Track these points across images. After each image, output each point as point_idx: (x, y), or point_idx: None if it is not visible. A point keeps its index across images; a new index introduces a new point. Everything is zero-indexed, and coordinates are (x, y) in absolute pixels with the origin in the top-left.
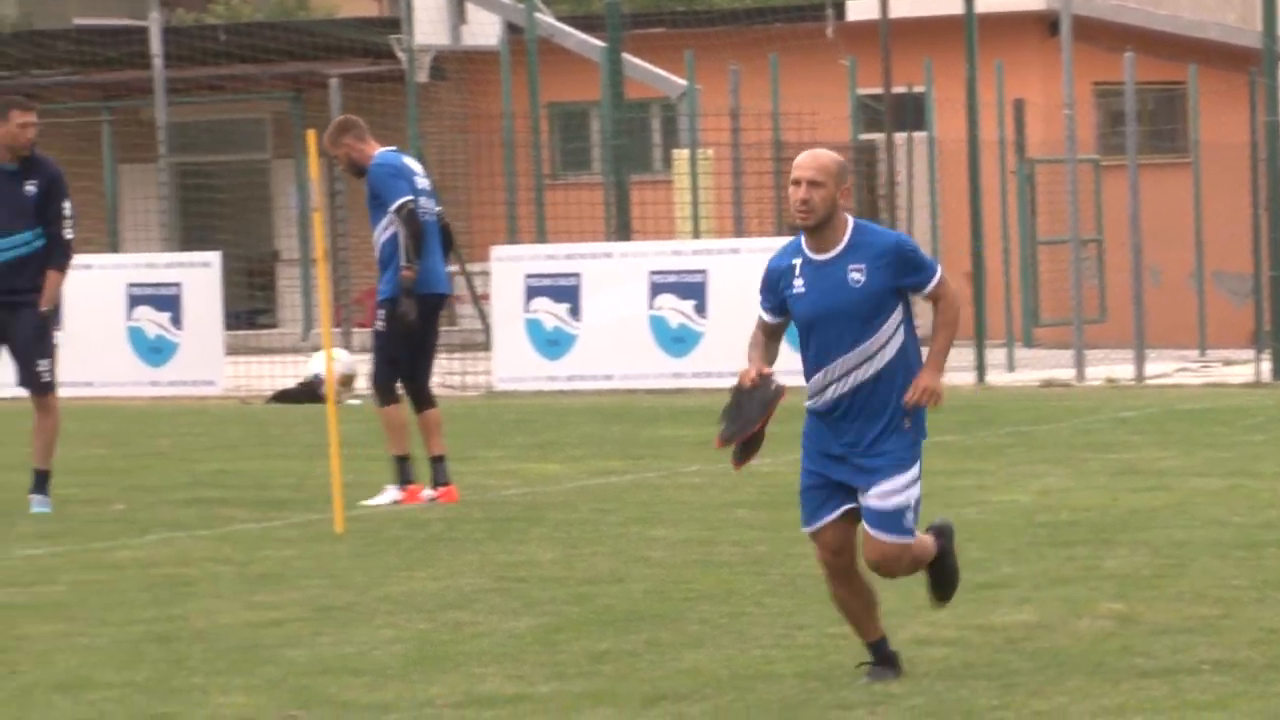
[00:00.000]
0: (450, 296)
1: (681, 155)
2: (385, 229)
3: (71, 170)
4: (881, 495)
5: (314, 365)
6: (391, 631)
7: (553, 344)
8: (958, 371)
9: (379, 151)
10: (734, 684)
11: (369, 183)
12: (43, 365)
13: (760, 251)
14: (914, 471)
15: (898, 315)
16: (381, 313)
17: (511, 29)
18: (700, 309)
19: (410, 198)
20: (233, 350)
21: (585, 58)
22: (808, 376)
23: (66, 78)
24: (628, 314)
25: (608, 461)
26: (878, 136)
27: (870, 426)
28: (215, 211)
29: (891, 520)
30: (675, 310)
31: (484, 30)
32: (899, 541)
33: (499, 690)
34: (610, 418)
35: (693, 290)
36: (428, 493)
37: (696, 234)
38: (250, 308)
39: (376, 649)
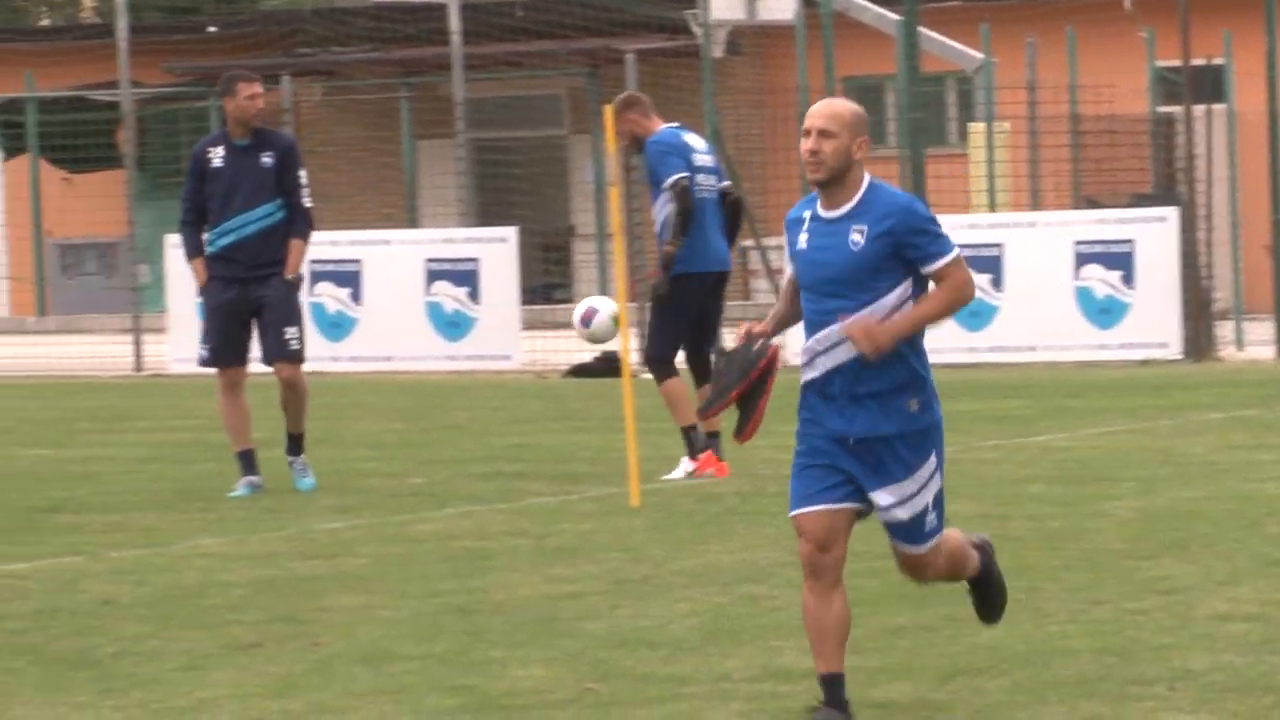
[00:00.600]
0: (728, 274)
1: (977, 129)
2: (663, 206)
3: (370, 146)
4: (896, 501)
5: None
6: (688, 605)
7: None
8: (1257, 346)
9: (661, 129)
10: (1030, 660)
11: (645, 160)
12: (291, 333)
13: (1057, 225)
14: (931, 463)
15: (903, 290)
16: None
17: (807, 3)
18: (997, 283)
19: (684, 175)
20: (529, 325)
21: (881, 31)
22: (804, 344)
23: (366, 55)
24: None
25: None
26: (1176, 109)
27: (870, 414)
28: (512, 187)
29: (912, 530)
30: None
31: (780, 4)
32: (925, 550)
33: (795, 664)
34: None
35: (989, 264)
36: (683, 467)
37: (992, 208)
38: (546, 282)
39: (673, 622)
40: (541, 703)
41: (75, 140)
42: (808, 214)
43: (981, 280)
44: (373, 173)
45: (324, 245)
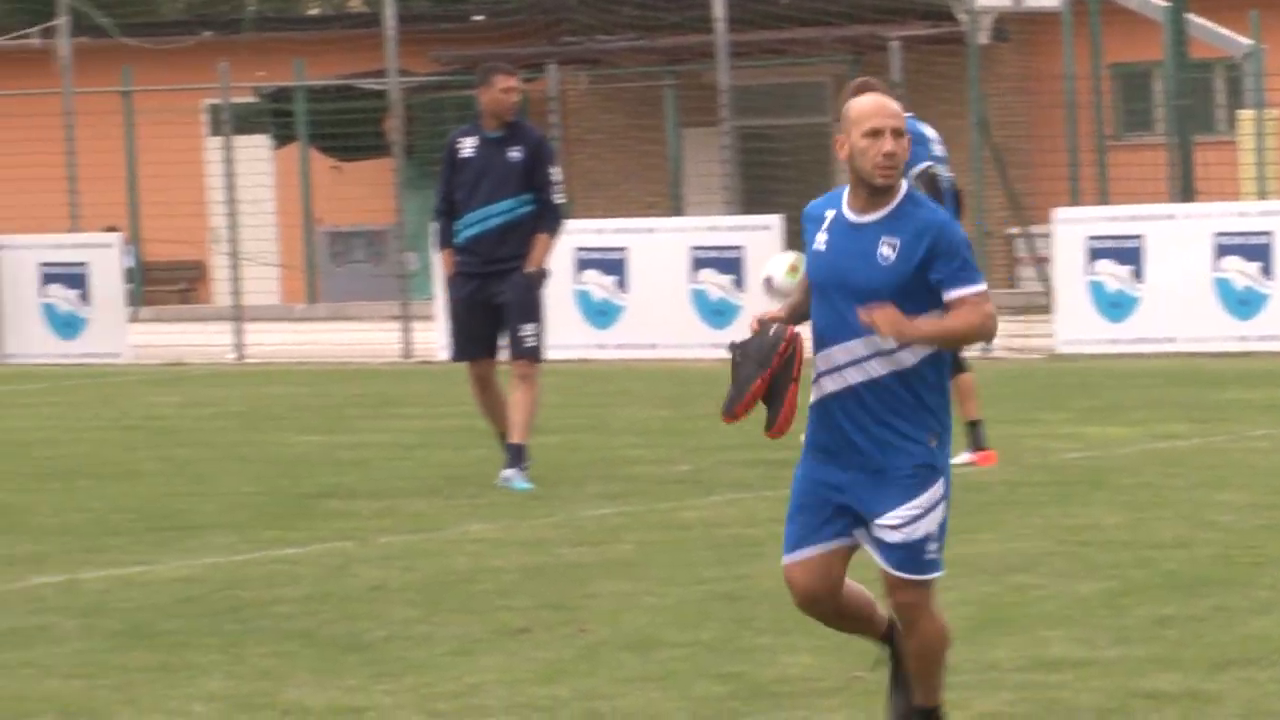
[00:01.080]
0: None
1: (1246, 116)
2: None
3: (634, 134)
4: (899, 521)
5: None
6: (956, 594)
7: (1115, 306)
8: None
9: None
10: None
11: None
12: (527, 330)
13: None
14: (939, 488)
15: (923, 311)
16: None
17: None
18: (1266, 271)
19: (930, 164)
20: None
21: (1147, 18)
22: (815, 354)
23: (631, 43)
24: (1191, 277)
25: (1172, 425)
26: None
27: (879, 449)
28: (776, 174)
29: (912, 554)
30: (1240, 273)
31: None
32: (923, 581)
33: (1064, 654)
34: (1174, 381)
35: (1258, 252)
36: (965, 456)
37: (1262, 195)
38: None
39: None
40: (809, 690)
41: (344, 129)
42: (831, 213)
43: (1250, 269)
44: (637, 161)
45: (589, 233)
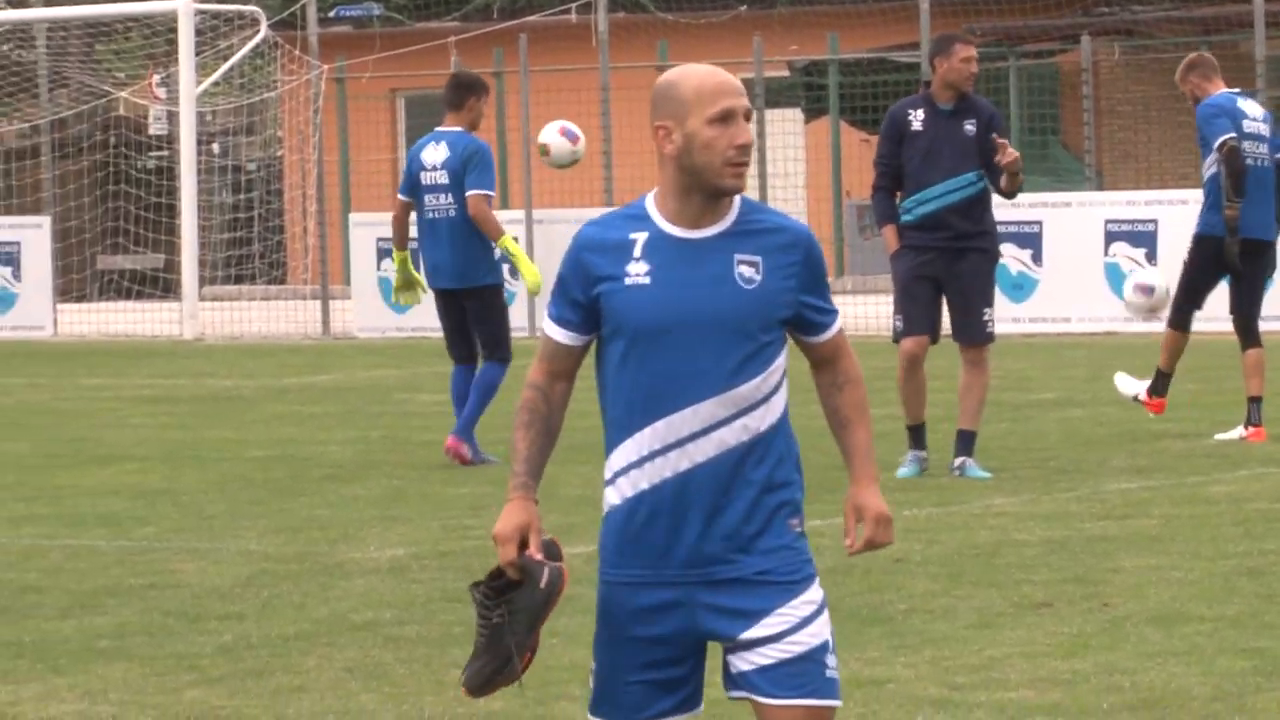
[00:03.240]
0: (1269, 243)
1: None
2: (1209, 167)
3: (1168, 105)
4: (784, 627)
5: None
6: None
7: None
8: None
9: (1218, 93)
10: None
11: (1197, 122)
12: (988, 314)
13: None
14: (818, 587)
15: (783, 359)
16: (1191, 246)
17: None
18: None
19: (1232, 135)
20: None
21: None
22: (615, 441)
23: (1167, 13)
24: None
25: None
26: None
27: (736, 527)
28: None
29: (811, 673)
30: None
31: None
32: (825, 707)
33: None
34: None
35: None
36: (1238, 431)
37: None
38: None
39: None
40: None
41: (875, 102)
42: (640, 236)
43: None
44: (1172, 132)
45: (1120, 205)
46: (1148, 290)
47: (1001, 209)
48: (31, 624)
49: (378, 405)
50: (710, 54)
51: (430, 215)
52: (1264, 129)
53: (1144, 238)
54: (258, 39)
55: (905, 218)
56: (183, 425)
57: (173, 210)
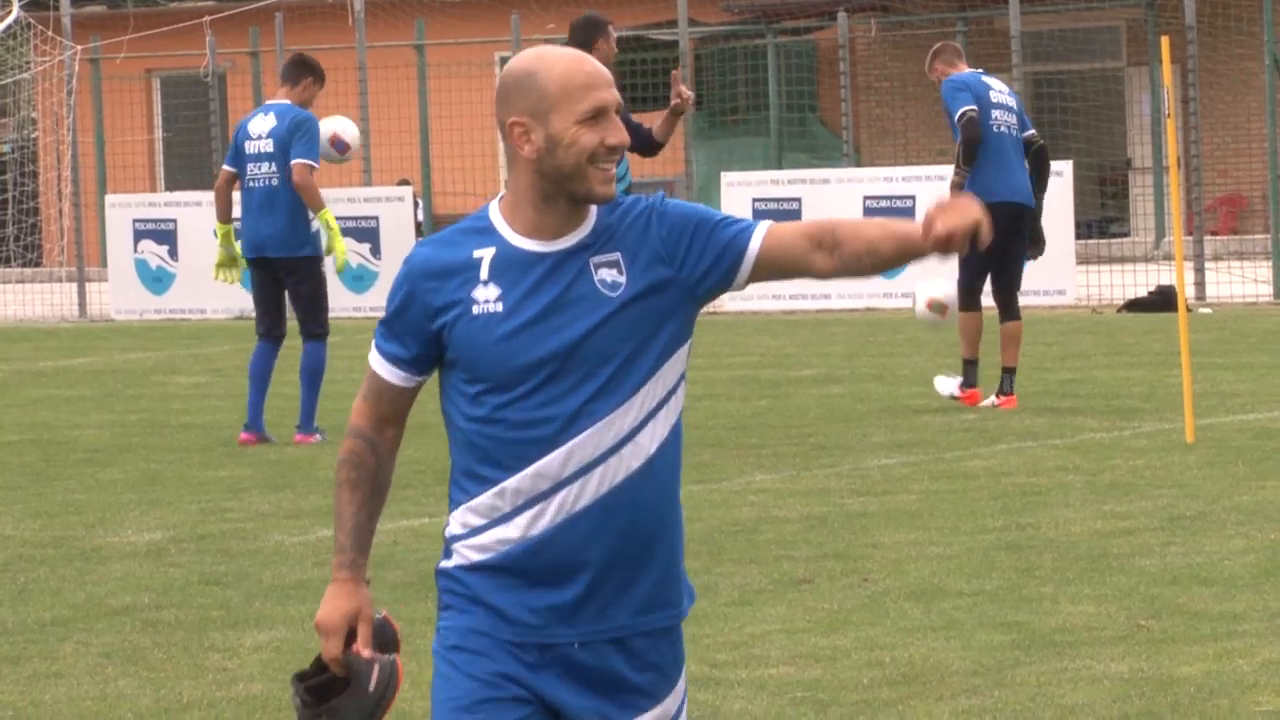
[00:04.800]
0: (1028, 208)
1: None
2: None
3: (924, 81)
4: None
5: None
6: (1242, 541)
7: None
8: None
9: (960, 72)
10: None
11: (942, 96)
12: None
13: None
14: (683, 671)
15: (678, 361)
16: None
17: None
18: None
19: (973, 107)
20: (1083, 259)
21: None
22: (471, 491)
23: None
24: None
25: None
26: None
27: (628, 577)
28: (1067, 120)
29: None
30: None
31: None
32: None
33: None
34: None
35: None
36: (956, 383)
37: None
38: (1101, 216)
39: (1227, 559)
40: (1093, 639)
41: (636, 79)
42: (484, 253)
43: None
44: (929, 108)
45: (879, 182)
46: (940, 309)
47: (760, 185)
48: None
49: (135, 388)
50: (468, 32)
51: (251, 184)
52: (1011, 101)
53: (902, 213)
54: (10, 19)
55: None
56: None
57: None
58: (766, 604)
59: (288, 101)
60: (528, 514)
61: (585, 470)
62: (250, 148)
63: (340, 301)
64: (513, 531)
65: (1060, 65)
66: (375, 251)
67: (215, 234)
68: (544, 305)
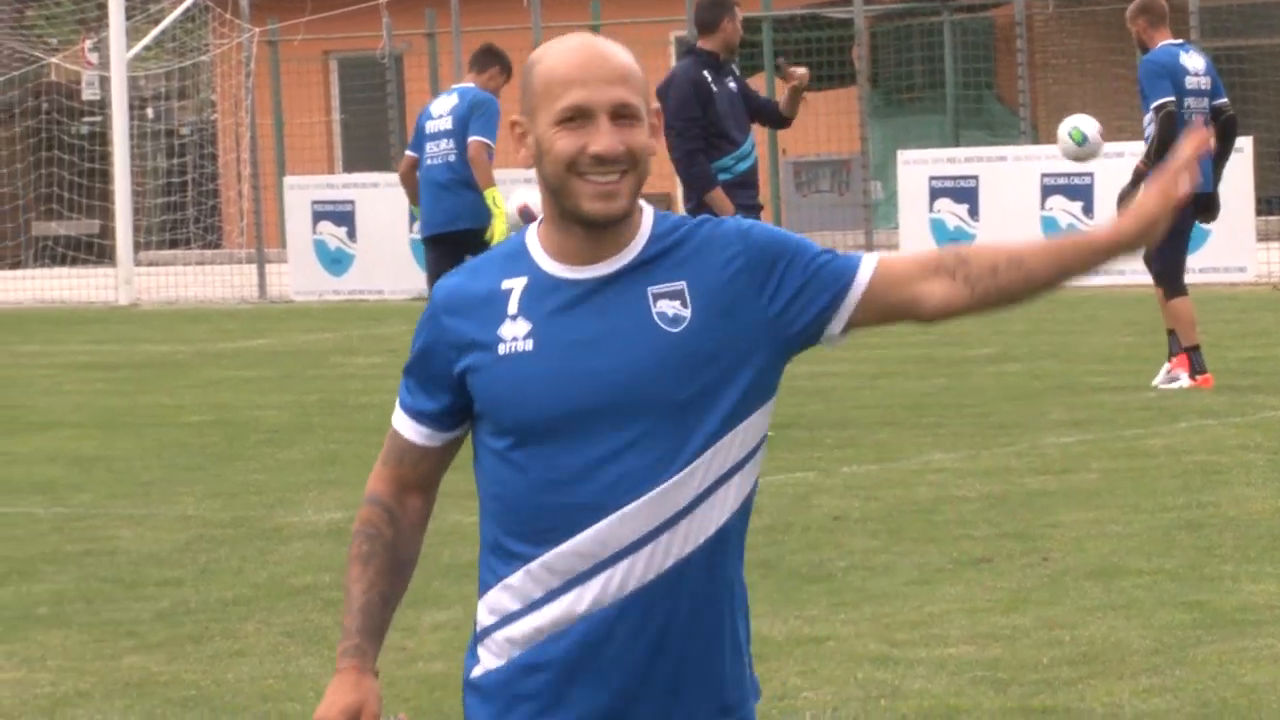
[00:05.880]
0: (1205, 195)
1: None
2: (1149, 124)
3: (1103, 58)
4: None
5: None
6: None
7: None
8: None
9: (1163, 45)
10: None
11: (1139, 76)
12: None
13: None
14: None
15: (759, 422)
16: None
17: None
18: None
19: (1171, 99)
20: (1264, 236)
21: None
22: (499, 571)
23: None
24: None
25: None
26: None
27: (684, 679)
28: (1247, 96)
29: None
30: None
31: None
32: None
33: None
34: None
35: None
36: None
37: None
38: None
39: None
40: (1275, 618)
41: (810, 58)
42: (516, 283)
43: None
44: (1107, 85)
45: (1056, 159)
46: (1082, 139)
47: (937, 164)
48: None
49: (314, 369)
50: (643, 12)
51: (430, 162)
52: (1205, 83)
53: (1080, 190)
54: (189, 3)
55: (725, 176)
56: (118, 391)
57: (107, 176)
58: (945, 583)
59: (473, 85)
60: (563, 600)
61: (633, 548)
62: (431, 127)
63: None
64: (543, 621)
65: (1240, 41)
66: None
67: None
68: (583, 342)
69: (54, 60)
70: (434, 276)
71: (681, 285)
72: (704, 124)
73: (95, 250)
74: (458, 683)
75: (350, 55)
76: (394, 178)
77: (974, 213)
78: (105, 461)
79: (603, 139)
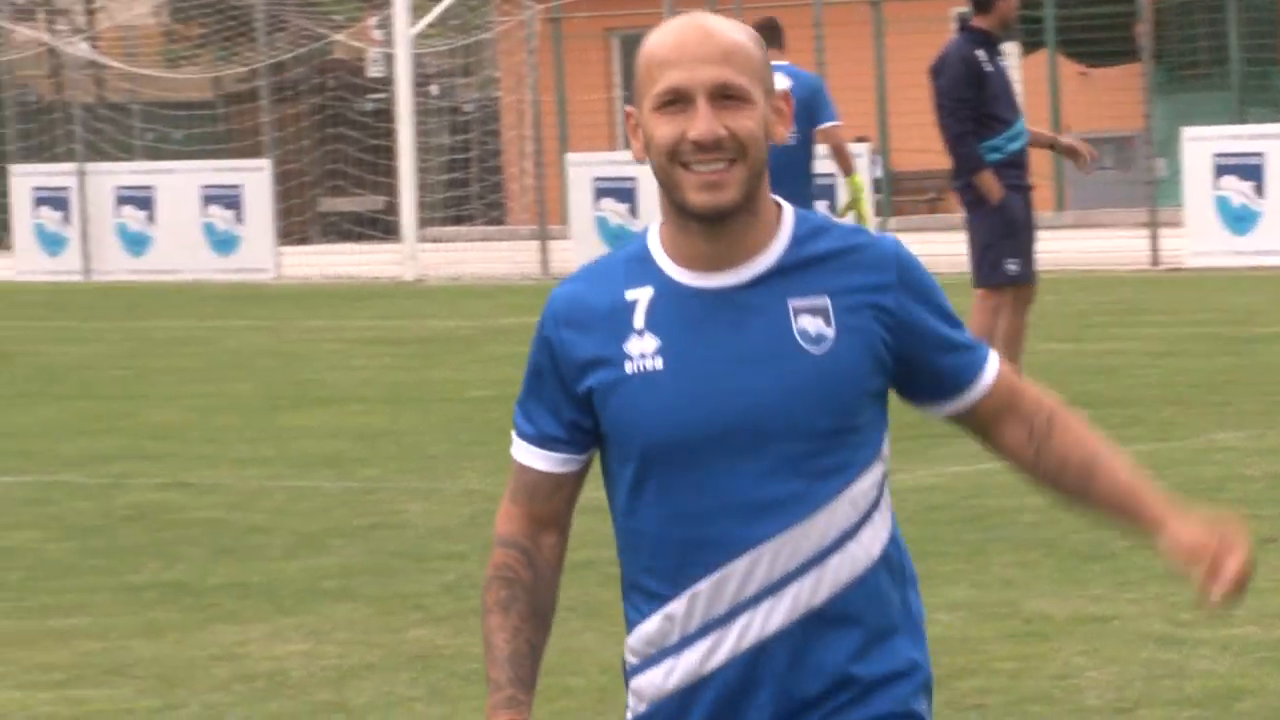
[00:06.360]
0: None
1: None
2: None
3: None
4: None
5: None
6: None
7: None
8: None
9: None
10: None
11: None
12: None
13: None
14: None
15: (881, 445)
16: None
17: None
18: None
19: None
20: None
21: None
22: (643, 610)
23: None
24: None
25: None
26: None
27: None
28: None
29: None
30: None
31: None
32: None
33: None
34: None
35: None
36: None
37: None
38: None
39: None
40: None
41: (1092, 34)
42: (643, 293)
43: None
44: None
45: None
46: None
47: (1221, 140)
48: (258, 565)
49: None
50: None
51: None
52: None
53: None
54: None
55: (995, 156)
56: (404, 366)
57: (391, 152)
58: None
59: (786, 63)
60: (701, 646)
61: (777, 588)
62: None
63: None
64: (683, 668)
65: None
66: (835, 209)
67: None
68: (720, 360)
69: (339, 38)
70: None
71: (825, 301)
72: (975, 104)
73: (380, 226)
74: None
75: (632, 32)
76: None
77: (1260, 190)
78: (392, 436)
79: (700, 123)
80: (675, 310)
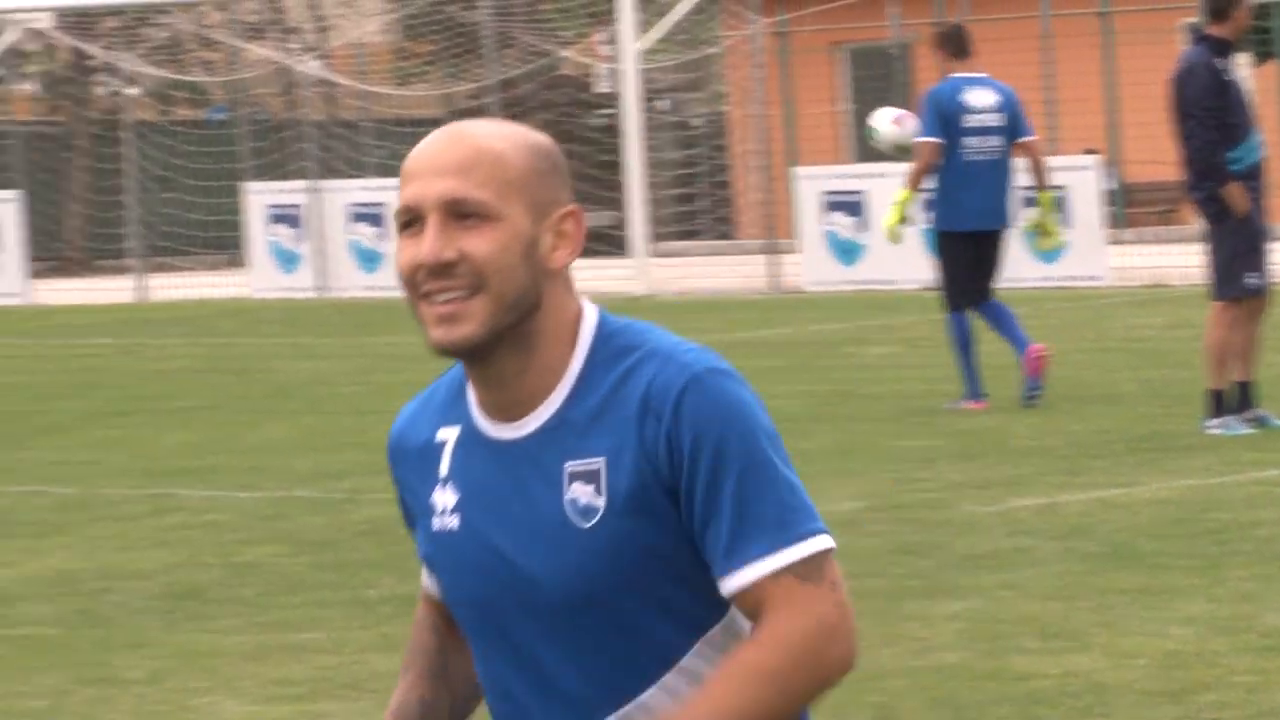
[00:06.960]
0: None
1: None
2: None
3: None
4: None
5: None
6: None
7: None
8: None
9: None
10: None
11: None
12: None
13: None
14: None
15: (711, 612)
16: None
17: None
18: None
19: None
20: None
21: None
22: None
23: None
24: None
25: None
26: None
27: None
28: None
29: None
30: None
31: None
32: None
33: None
34: None
35: None
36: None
37: None
38: None
39: None
40: None
41: None
42: (449, 435)
43: None
44: None
45: None
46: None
47: None
48: None
49: (826, 359)
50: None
51: (976, 157)
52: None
53: None
54: None
55: (1235, 166)
56: None
57: (620, 168)
58: None
59: (985, 75)
60: None
61: None
62: (972, 121)
63: (1031, 272)
64: None
65: None
66: (1064, 221)
67: (899, 199)
68: (504, 528)
69: (567, 54)
70: (956, 272)
71: (599, 464)
72: (1221, 114)
73: (609, 241)
74: (974, 673)
75: (859, 46)
76: (903, 168)
77: None
78: None
79: (424, 244)
80: (473, 461)
